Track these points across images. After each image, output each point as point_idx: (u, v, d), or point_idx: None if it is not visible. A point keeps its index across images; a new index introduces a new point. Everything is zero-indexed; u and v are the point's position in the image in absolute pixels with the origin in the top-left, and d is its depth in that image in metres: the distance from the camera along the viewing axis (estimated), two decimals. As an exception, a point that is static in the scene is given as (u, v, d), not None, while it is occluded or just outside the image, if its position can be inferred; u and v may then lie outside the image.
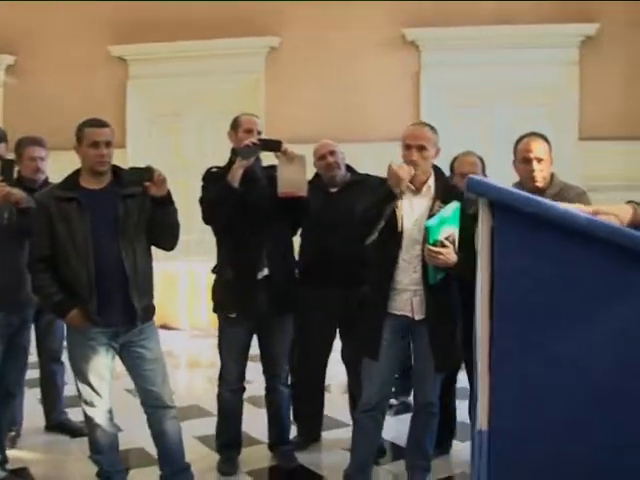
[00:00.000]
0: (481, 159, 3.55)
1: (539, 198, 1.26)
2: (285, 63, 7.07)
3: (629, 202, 1.82)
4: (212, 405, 3.52)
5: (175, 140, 7.48)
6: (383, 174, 2.89)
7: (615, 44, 6.82)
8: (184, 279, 6.97)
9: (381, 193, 2.79)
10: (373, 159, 5.24)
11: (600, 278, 1.26)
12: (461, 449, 3.45)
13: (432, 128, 2.87)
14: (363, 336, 2.92)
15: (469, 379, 3.23)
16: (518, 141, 3.02)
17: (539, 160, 2.90)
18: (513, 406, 1.28)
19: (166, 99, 7.48)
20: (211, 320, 4.09)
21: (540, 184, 2.88)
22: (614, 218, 1.43)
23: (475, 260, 2.20)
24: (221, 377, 3.29)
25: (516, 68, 6.92)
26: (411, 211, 2.82)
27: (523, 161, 2.94)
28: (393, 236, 2.80)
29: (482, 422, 1.29)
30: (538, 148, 2.93)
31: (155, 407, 2.87)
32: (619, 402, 1.26)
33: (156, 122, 7.54)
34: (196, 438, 3.61)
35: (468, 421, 3.24)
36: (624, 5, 6.68)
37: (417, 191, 2.83)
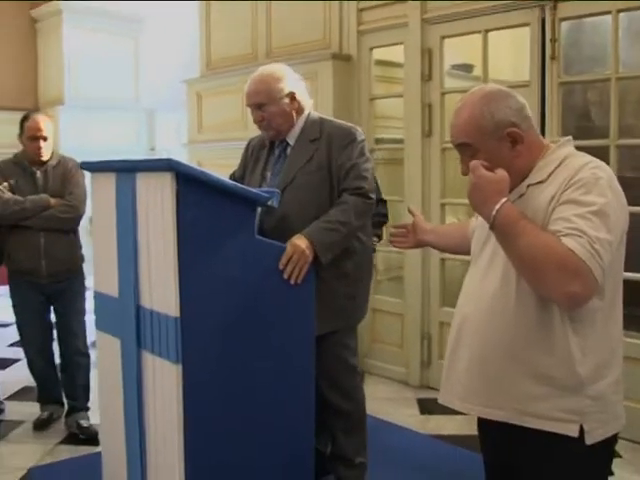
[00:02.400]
0: None
1: (207, 171, 2.06)
2: None
3: None
4: None
5: None
6: None
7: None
8: None
9: None
10: None
11: (236, 219, 2.13)
12: None
13: None
14: None
15: None
16: (26, 117, 3.42)
17: (45, 139, 3.38)
18: (197, 298, 2.08)
19: None
20: None
21: (44, 158, 3.41)
22: None
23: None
24: None
25: None
26: None
27: (31, 139, 3.36)
28: None
29: (174, 312, 2.05)
30: (46, 127, 3.40)
31: None
32: (257, 296, 2.17)
33: None
34: None
35: None
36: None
37: None
